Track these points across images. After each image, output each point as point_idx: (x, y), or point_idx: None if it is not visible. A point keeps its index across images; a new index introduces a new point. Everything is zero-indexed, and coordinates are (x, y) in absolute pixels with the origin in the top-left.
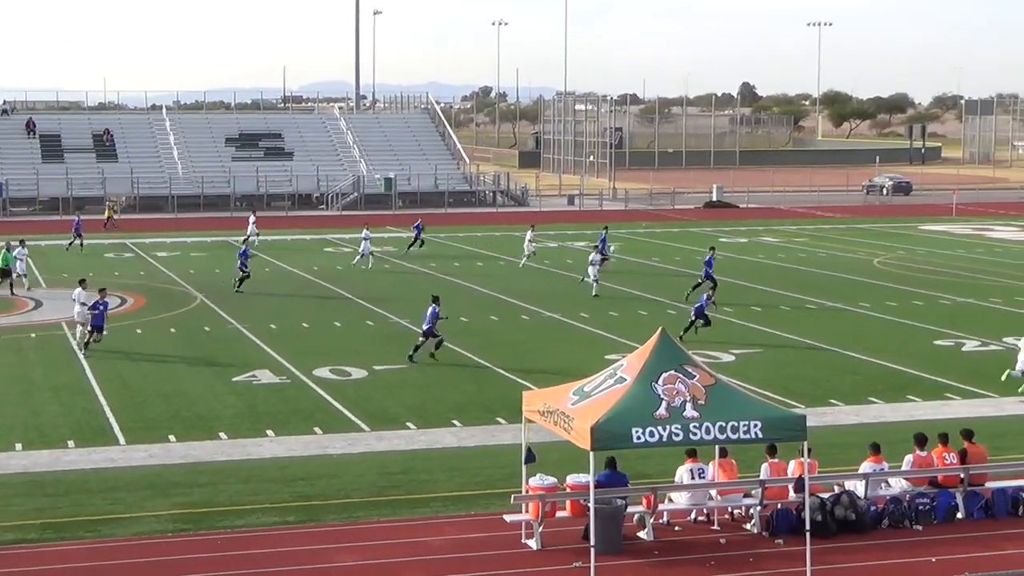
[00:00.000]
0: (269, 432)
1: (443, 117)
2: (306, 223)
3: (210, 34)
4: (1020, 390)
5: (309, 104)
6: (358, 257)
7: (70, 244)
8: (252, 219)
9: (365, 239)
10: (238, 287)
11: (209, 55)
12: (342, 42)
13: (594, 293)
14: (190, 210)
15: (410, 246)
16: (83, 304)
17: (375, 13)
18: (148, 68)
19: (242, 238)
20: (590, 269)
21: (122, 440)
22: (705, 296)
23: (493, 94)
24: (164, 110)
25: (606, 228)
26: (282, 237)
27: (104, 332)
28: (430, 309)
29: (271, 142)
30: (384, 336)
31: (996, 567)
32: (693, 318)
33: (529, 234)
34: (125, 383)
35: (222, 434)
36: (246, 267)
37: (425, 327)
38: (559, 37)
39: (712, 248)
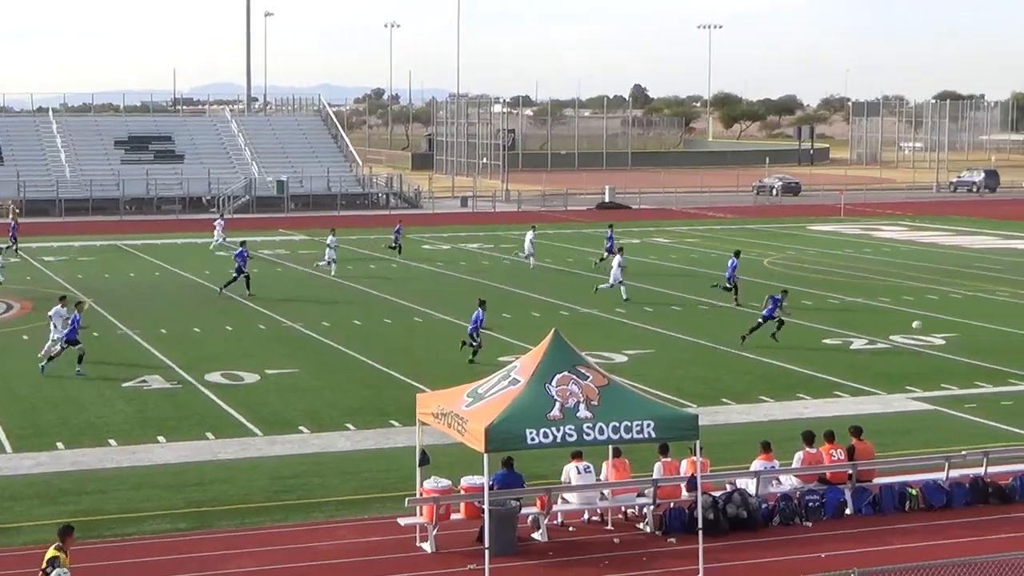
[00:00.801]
0: (160, 438)
1: (335, 119)
2: (197, 226)
3: (98, 35)
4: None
5: (200, 106)
6: (322, 263)
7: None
8: (220, 223)
9: (330, 246)
10: (249, 291)
11: (97, 57)
12: (233, 44)
13: (624, 297)
14: (78, 214)
15: (392, 247)
16: None
17: (266, 15)
18: (34, 70)
19: (237, 240)
20: (616, 272)
21: (9, 448)
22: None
23: (386, 96)
24: (51, 112)
25: (611, 226)
26: (173, 241)
27: None
28: (475, 313)
29: (161, 144)
30: (276, 339)
31: (884, 562)
32: (762, 321)
33: (530, 234)
34: (11, 390)
35: (112, 441)
36: (244, 269)
37: (470, 329)
38: (452, 39)
39: (737, 253)
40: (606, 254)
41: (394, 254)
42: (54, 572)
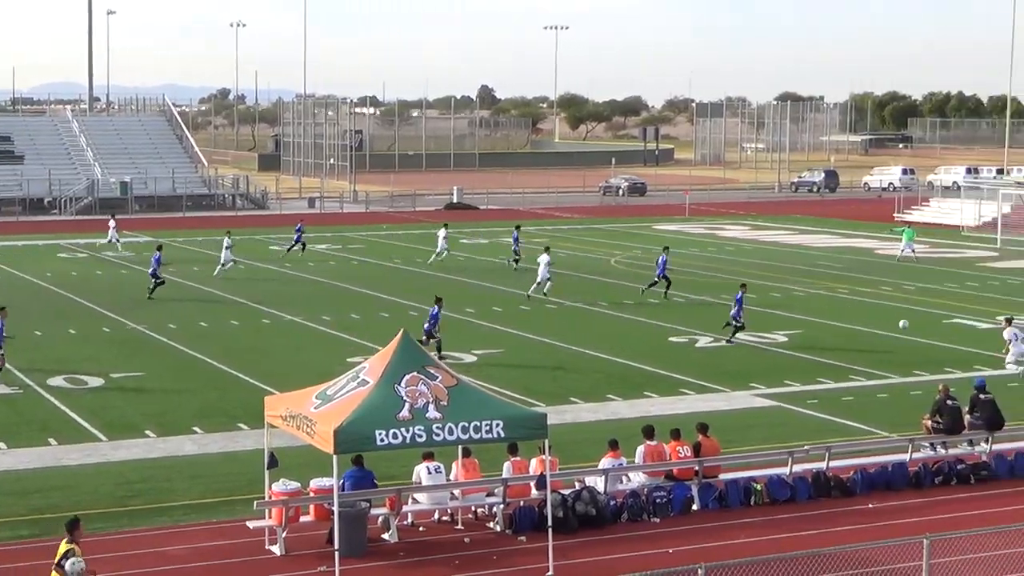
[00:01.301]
0: (0, 444)
1: (180, 120)
2: (38, 228)
3: None
4: None
5: (41, 106)
6: (219, 267)
7: None
8: (112, 223)
9: (227, 247)
10: (151, 294)
11: None
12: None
13: (545, 292)
14: None
15: (290, 248)
16: None
17: (109, 13)
18: None
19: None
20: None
21: None
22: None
23: (232, 96)
24: None
25: (518, 227)
26: (13, 243)
27: None
28: (432, 310)
29: (0, 145)
30: (121, 342)
31: (730, 556)
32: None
33: (442, 232)
34: None
35: None
36: (159, 274)
37: (425, 327)
38: (298, 39)
39: (666, 248)
40: (514, 255)
41: (296, 254)
42: (69, 562)
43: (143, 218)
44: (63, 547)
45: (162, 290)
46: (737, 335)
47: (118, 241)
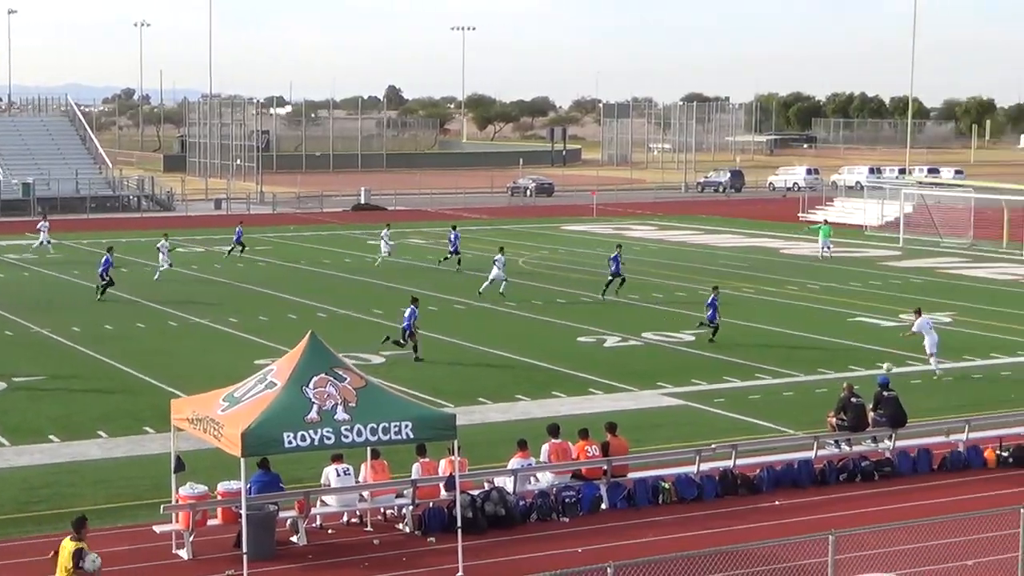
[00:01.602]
0: None
1: (83, 120)
2: None
3: None
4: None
5: None
6: (161, 270)
7: None
8: (44, 225)
9: (161, 250)
10: (100, 295)
11: None
12: None
13: (502, 291)
14: None
15: (231, 251)
16: None
17: (10, 12)
18: None
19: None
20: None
21: None
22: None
23: (136, 96)
24: None
25: (454, 227)
26: None
27: None
28: (408, 310)
29: None
30: (24, 345)
31: (639, 554)
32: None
33: (385, 232)
34: None
35: None
36: (107, 275)
37: (404, 326)
38: (204, 39)
39: (619, 246)
40: (450, 254)
41: (236, 257)
42: (88, 560)
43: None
44: (71, 545)
45: (110, 291)
46: (715, 336)
47: (48, 244)
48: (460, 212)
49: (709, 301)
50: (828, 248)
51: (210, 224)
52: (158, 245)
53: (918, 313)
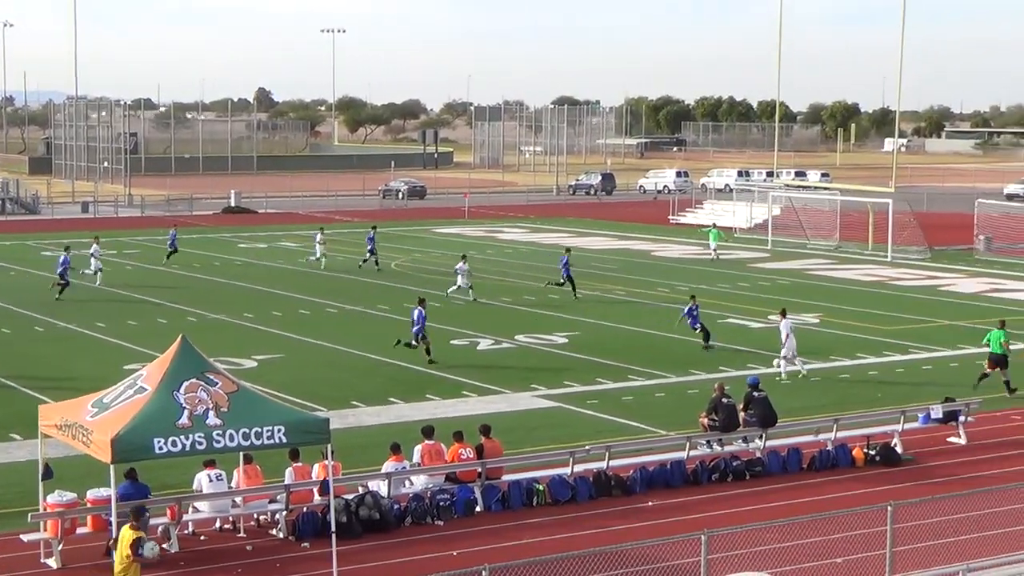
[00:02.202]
0: None
1: None
2: None
3: None
4: None
5: None
6: (88, 271)
7: None
8: None
9: (94, 255)
10: (59, 295)
11: None
12: None
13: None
14: None
15: (170, 255)
16: None
17: None
18: None
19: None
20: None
21: None
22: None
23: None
24: None
25: (374, 227)
26: None
27: None
28: (416, 312)
29: None
30: None
31: (514, 557)
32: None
33: (319, 235)
34: None
35: None
36: (67, 276)
37: (414, 330)
38: (68, 39)
39: (568, 250)
40: (368, 255)
41: (171, 261)
42: (146, 547)
43: None
44: (130, 534)
45: (68, 292)
46: (710, 341)
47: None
48: (331, 215)
49: (686, 311)
50: (713, 249)
51: (77, 227)
52: (91, 251)
53: (783, 314)
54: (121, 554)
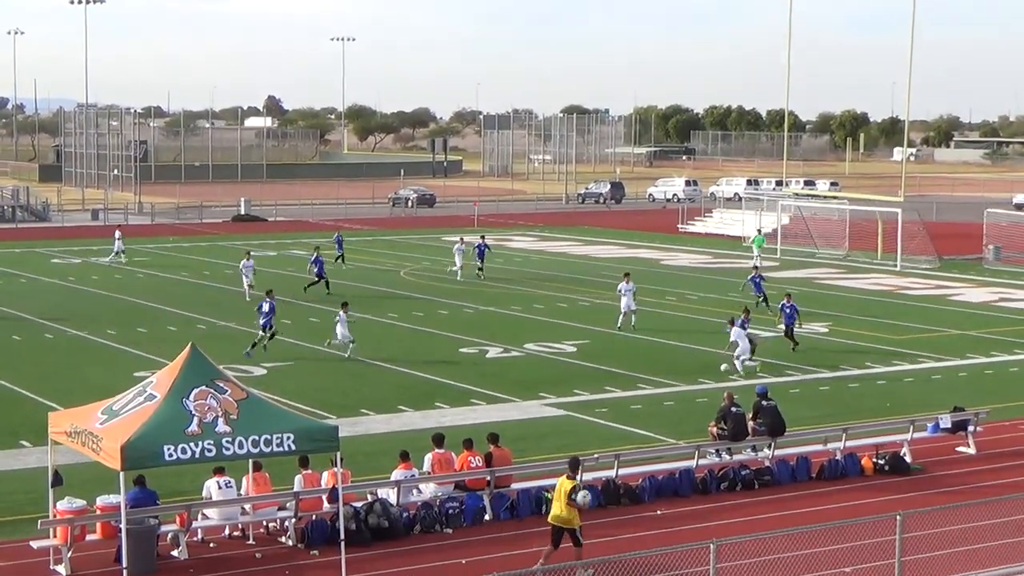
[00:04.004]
0: None
1: None
2: None
3: None
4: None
5: None
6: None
7: None
8: (118, 234)
9: (244, 269)
10: (328, 290)
11: None
12: None
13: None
14: None
15: (338, 258)
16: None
17: None
18: None
19: None
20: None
21: None
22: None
23: (10, 105)
24: None
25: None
26: None
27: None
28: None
29: None
30: None
31: (522, 565)
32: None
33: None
34: None
35: None
36: (323, 272)
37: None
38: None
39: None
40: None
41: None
42: (579, 495)
43: None
44: (568, 483)
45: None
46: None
47: (122, 252)
48: (341, 223)
49: (739, 323)
50: (758, 257)
51: (87, 235)
52: (242, 265)
53: (731, 323)
54: (561, 499)
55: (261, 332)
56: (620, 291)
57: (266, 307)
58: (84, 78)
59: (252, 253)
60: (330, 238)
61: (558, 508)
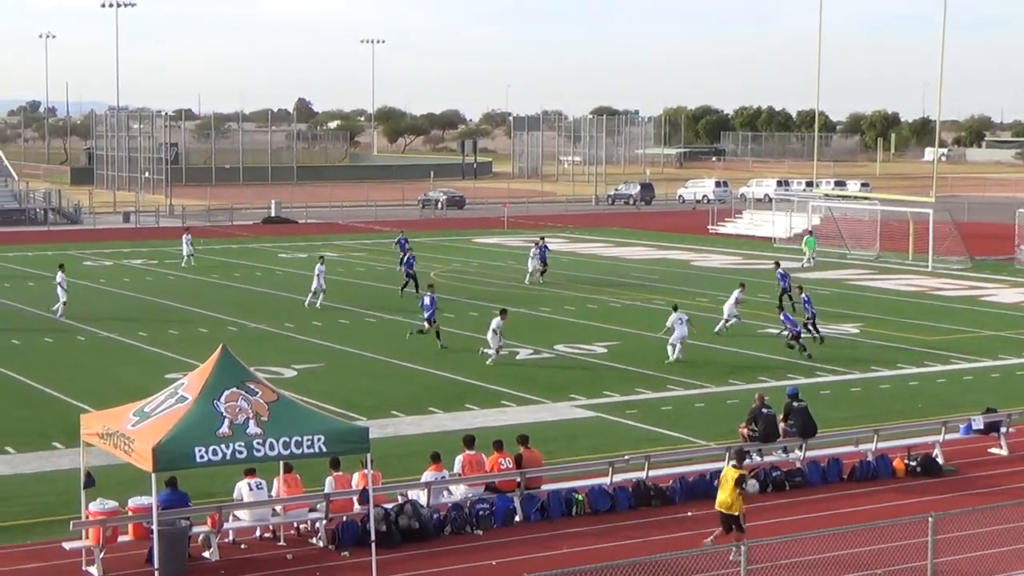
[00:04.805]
0: None
1: None
2: None
3: None
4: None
5: None
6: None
7: None
8: (187, 237)
9: (319, 275)
10: (416, 290)
11: None
12: None
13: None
14: None
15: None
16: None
17: None
18: None
19: None
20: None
21: None
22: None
23: (42, 108)
24: None
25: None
26: None
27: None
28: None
29: None
30: None
31: (552, 566)
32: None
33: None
34: None
35: None
36: (411, 271)
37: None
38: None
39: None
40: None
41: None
42: (748, 483)
43: None
44: (734, 472)
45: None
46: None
47: (192, 255)
48: (371, 225)
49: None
50: (811, 258)
51: (119, 237)
52: (317, 270)
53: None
54: (729, 488)
55: (427, 325)
56: (671, 323)
57: (427, 300)
58: (115, 81)
59: (325, 256)
60: (360, 239)
61: (724, 495)
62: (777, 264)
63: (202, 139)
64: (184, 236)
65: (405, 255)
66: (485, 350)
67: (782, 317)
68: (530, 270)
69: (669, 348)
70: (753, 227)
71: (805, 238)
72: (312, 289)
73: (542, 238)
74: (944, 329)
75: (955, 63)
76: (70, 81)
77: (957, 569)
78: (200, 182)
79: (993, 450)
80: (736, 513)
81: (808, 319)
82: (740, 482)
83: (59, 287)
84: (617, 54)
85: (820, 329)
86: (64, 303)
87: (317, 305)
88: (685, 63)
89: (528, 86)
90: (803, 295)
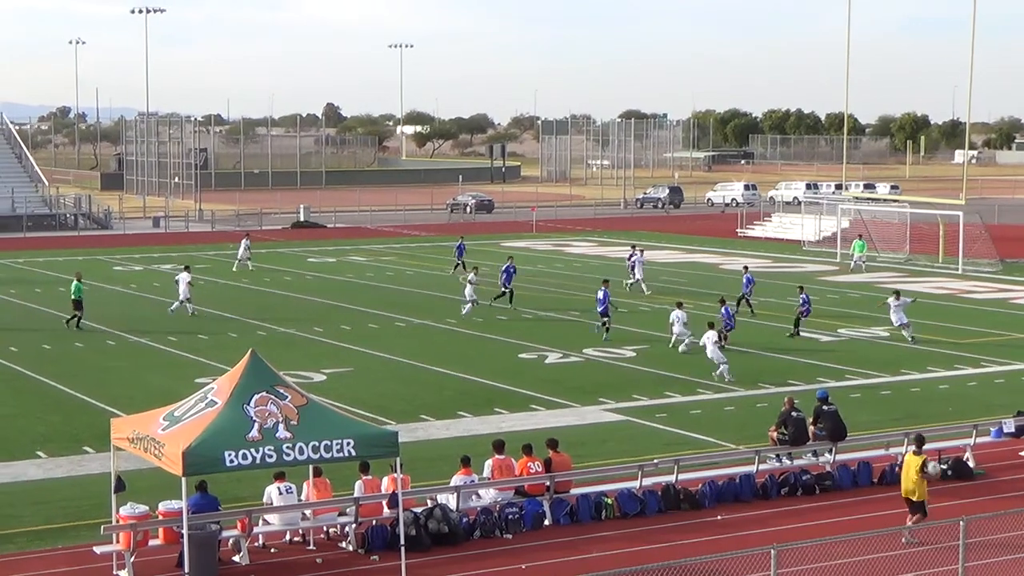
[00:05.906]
0: None
1: (19, 138)
2: None
3: None
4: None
5: None
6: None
7: None
8: (246, 241)
9: (470, 281)
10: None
11: None
12: None
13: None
14: None
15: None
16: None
17: None
18: None
19: None
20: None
21: None
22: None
23: (72, 114)
24: None
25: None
26: None
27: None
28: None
29: None
30: None
31: (582, 570)
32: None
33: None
34: None
35: None
36: (508, 284)
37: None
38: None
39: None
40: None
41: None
42: (930, 466)
43: None
44: (916, 460)
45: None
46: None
47: (248, 260)
48: (400, 229)
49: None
50: (861, 260)
51: (149, 243)
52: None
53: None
54: (911, 475)
55: (604, 319)
56: (703, 343)
57: (600, 295)
58: (145, 87)
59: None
60: (389, 243)
61: (908, 483)
62: (746, 268)
63: (231, 144)
64: (243, 241)
65: (505, 269)
66: (681, 345)
67: (723, 310)
68: (639, 278)
69: (682, 345)
70: (782, 230)
71: (854, 242)
72: (180, 299)
73: (634, 246)
74: (975, 332)
75: (985, 65)
76: (100, 87)
77: (988, 573)
78: (229, 187)
79: None
80: (921, 499)
81: (801, 311)
82: (923, 467)
83: (182, 285)
84: (645, 58)
85: (802, 328)
86: (182, 301)
87: (190, 313)
88: (714, 66)
89: (556, 90)
90: (803, 295)
